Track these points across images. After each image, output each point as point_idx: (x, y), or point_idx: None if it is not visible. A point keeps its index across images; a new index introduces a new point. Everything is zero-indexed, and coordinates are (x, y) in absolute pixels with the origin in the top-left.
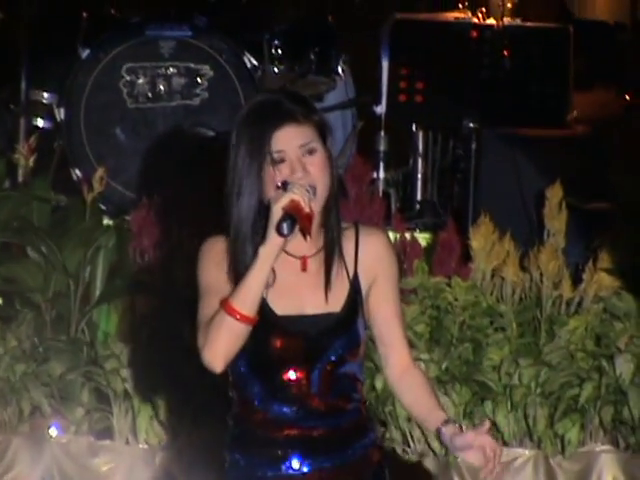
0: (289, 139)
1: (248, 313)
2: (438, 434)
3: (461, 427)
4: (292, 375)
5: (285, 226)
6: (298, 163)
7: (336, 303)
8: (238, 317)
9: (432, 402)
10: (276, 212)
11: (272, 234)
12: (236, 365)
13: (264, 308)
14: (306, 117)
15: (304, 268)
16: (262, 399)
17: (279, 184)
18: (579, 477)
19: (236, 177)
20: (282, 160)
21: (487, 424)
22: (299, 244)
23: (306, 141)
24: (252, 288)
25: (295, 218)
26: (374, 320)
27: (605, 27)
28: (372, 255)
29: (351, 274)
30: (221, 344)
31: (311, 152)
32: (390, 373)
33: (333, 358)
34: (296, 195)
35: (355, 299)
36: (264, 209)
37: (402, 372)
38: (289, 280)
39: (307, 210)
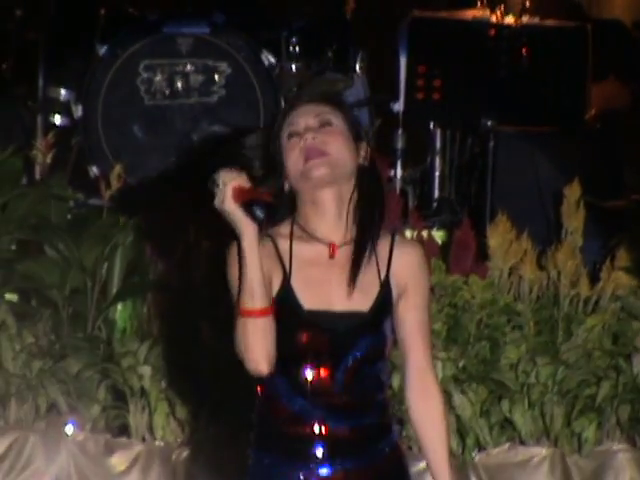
0: (305, 111)
1: (261, 306)
2: None
3: None
4: (317, 372)
5: (257, 214)
6: (309, 132)
7: (365, 302)
8: (255, 315)
9: (444, 459)
10: (232, 210)
11: (241, 225)
12: None
13: (292, 302)
14: (331, 100)
15: (332, 255)
16: (286, 395)
17: (208, 185)
18: (596, 476)
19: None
20: (297, 133)
21: None
22: (329, 231)
23: (322, 111)
24: (251, 282)
25: (251, 203)
26: (401, 330)
27: (618, 26)
28: (405, 264)
29: (382, 276)
30: (257, 348)
31: (327, 123)
32: (408, 383)
33: (358, 356)
34: (228, 183)
35: (384, 301)
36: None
37: (420, 388)
38: (317, 271)
39: (247, 185)
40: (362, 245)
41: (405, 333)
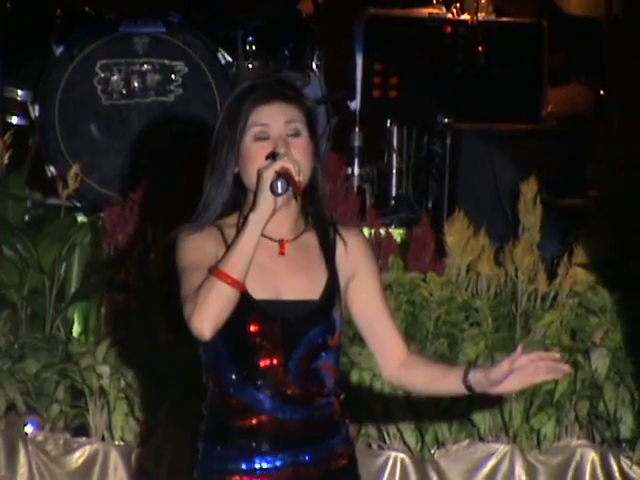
0: (275, 114)
1: (239, 277)
2: (468, 386)
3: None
4: (269, 361)
5: (279, 184)
6: (282, 141)
7: (315, 291)
8: (229, 281)
9: (444, 367)
10: (267, 177)
11: (263, 199)
12: (212, 349)
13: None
14: (295, 99)
15: (282, 251)
16: (237, 385)
17: (268, 155)
18: (555, 472)
19: (215, 153)
20: (266, 137)
21: (520, 349)
22: (278, 227)
23: (292, 118)
24: (242, 253)
25: (288, 179)
26: (362, 316)
27: (591, 22)
28: (350, 252)
29: (329, 265)
30: (211, 309)
31: (296, 134)
32: (391, 368)
33: (310, 345)
34: (287, 163)
35: (333, 289)
36: (241, 186)
37: (403, 363)
38: (266, 264)
39: (297, 178)
40: (325, 233)
41: (371, 315)
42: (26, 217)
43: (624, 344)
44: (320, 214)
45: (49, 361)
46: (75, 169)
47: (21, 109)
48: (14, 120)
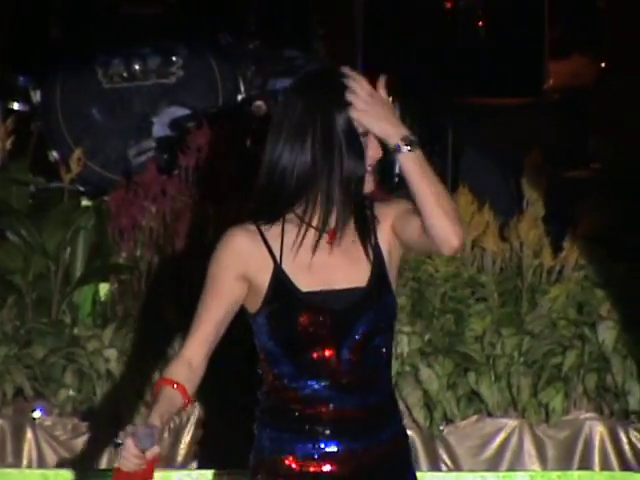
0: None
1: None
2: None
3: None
4: (321, 352)
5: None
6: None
7: (361, 278)
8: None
9: None
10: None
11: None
12: (264, 344)
13: (288, 285)
14: None
15: (332, 241)
16: (293, 377)
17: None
18: (565, 445)
19: (333, 151)
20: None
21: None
22: (324, 217)
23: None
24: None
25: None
26: (411, 234)
27: None
28: (385, 219)
29: (373, 247)
30: None
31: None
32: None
33: (362, 333)
34: (126, 466)
35: (380, 271)
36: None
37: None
38: (310, 254)
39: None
40: (362, 218)
41: (408, 225)
42: (30, 202)
43: (630, 316)
44: (359, 202)
45: (56, 346)
46: (78, 153)
47: (22, 95)
48: (15, 106)
